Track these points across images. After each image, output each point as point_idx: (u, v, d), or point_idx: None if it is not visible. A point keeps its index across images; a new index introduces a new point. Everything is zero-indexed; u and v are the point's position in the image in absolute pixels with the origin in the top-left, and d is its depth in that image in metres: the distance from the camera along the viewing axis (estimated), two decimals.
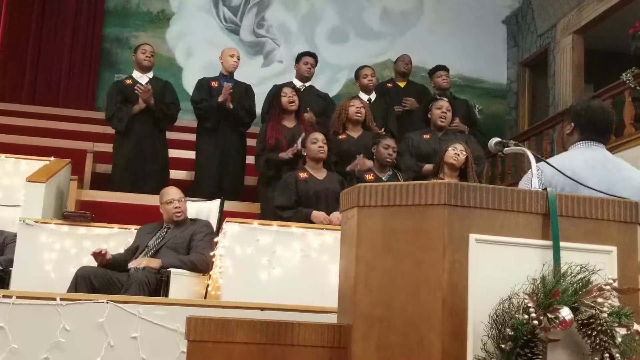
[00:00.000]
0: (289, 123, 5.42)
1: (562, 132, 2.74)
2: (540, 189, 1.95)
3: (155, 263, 4.09)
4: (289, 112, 5.42)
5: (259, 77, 8.50)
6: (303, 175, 4.82)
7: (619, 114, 6.15)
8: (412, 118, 6.33)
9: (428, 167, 5.28)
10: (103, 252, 4.08)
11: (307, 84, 6.12)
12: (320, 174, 4.87)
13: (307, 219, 4.62)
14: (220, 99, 5.77)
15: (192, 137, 6.31)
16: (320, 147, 4.83)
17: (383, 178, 4.99)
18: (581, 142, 2.64)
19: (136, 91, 5.77)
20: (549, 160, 2.51)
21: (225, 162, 5.91)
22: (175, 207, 4.45)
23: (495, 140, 2.44)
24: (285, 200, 4.70)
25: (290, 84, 5.91)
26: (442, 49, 9.00)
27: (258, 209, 5.48)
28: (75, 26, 8.76)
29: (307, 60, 6.17)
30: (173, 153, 6.40)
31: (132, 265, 4.12)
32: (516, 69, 9.77)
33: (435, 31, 9.53)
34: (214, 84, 5.99)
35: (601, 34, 8.30)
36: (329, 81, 9.16)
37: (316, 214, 4.64)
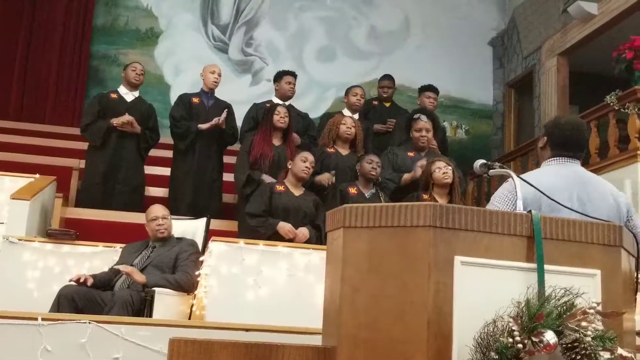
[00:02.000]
0: (276, 141, 5.44)
1: (537, 145, 2.68)
2: (524, 212, 1.95)
3: (140, 277, 4.07)
4: (278, 130, 5.43)
5: (247, 95, 8.50)
6: (280, 187, 4.84)
7: (604, 135, 6.20)
8: (393, 138, 6.35)
9: (407, 176, 5.29)
10: (82, 280, 4.02)
11: (287, 103, 6.06)
12: (298, 191, 4.89)
13: (273, 230, 4.63)
14: (204, 127, 5.75)
15: (169, 153, 6.24)
16: (306, 167, 4.85)
17: (366, 195, 5.01)
18: (553, 158, 2.59)
19: (117, 126, 5.73)
20: (523, 176, 2.45)
21: (202, 180, 5.84)
22: (159, 225, 4.45)
23: (480, 162, 2.45)
24: (256, 207, 4.72)
25: (269, 102, 5.92)
26: (429, 69, 9.07)
27: None
28: (63, 43, 8.72)
29: (289, 79, 6.13)
30: (149, 170, 6.31)
31: (118, 267, 4.12)
32: (502, 90, 9.85)
33: (422, 51, 9.60)
34: (195, 100, 5.98)
35: (586, 56, 8.40)
36: (316, 100, 9.19)
37: (282, 225, 4.65)
